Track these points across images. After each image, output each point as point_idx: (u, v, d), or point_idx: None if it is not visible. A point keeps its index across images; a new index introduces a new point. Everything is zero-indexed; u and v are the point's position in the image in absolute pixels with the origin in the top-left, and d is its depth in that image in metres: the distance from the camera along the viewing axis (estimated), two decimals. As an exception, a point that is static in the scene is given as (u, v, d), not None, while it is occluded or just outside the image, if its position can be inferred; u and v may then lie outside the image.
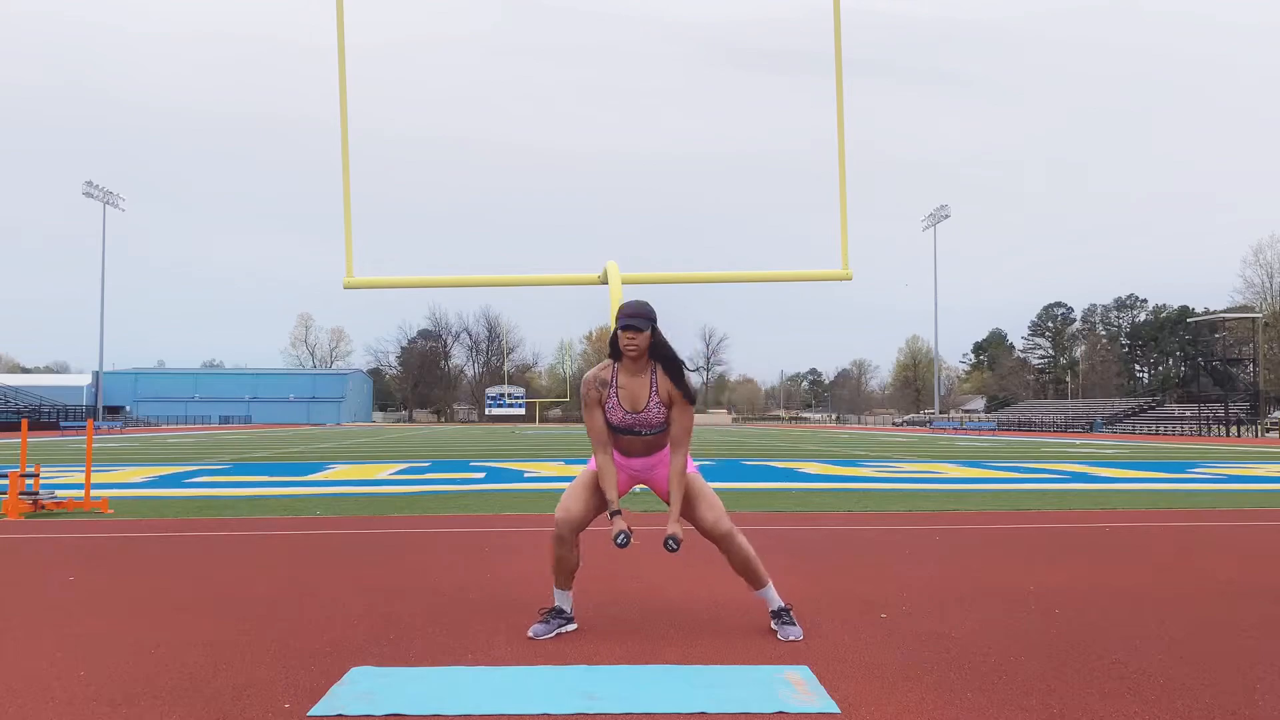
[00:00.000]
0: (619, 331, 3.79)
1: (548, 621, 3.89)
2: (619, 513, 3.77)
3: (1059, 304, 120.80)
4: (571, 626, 3.93)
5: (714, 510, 3.86)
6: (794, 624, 3.85)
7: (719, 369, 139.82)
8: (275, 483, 12.87)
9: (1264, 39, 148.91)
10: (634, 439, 3.88)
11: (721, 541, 3.85)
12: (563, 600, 3.95)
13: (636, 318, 3.78)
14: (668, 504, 3.89)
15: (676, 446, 3.87)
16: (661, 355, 3.84)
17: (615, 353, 3.87)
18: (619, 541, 3.67)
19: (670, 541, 3.72)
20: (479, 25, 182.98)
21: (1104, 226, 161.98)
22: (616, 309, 3.83)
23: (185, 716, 2.86)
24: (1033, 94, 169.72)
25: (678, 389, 3.82)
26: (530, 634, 3.83)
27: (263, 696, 3.06)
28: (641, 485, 4.07)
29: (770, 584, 3.94)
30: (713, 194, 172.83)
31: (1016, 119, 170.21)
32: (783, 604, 3.92)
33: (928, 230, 76.67)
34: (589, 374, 3.91)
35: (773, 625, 3.87)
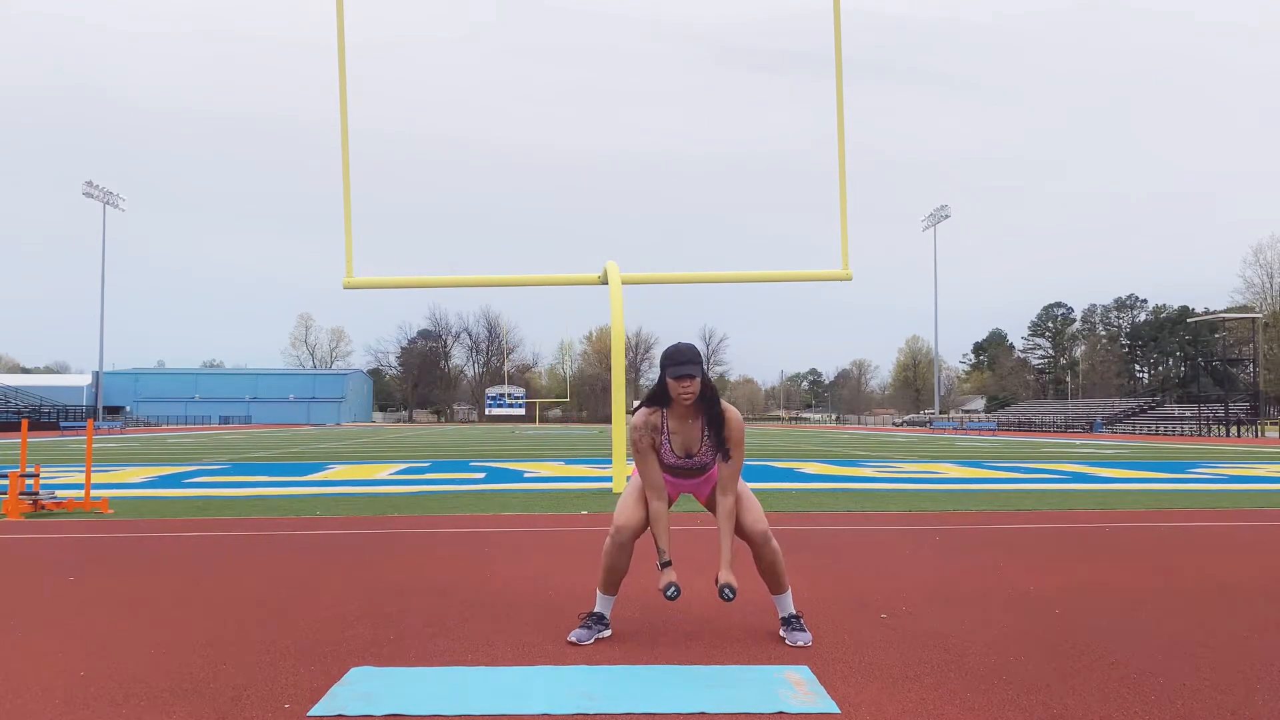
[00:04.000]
0: (671, 381, 3.69)
1: (589, 627, 3.82)
2: (669, 564, 3.72)
3: (1059, 304, 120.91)
4: (608, 632, 3.87)
5: (752, 512, 3.83)
6: (804, 630, 3.80)
7: (719, 369, 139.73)
8: (275, 483, 12.86)
9: (1264, 39, 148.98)
10: (684, 470, 3.89)
11: (755, 541, 3.81)
12: (605, 605, 3.87)
13: (690, 365, 3.68)
14: (709, 510, 3.90)
15: (725, 490, 3.80)
16: (708, 405, 3.77)
17: (662, 399, 3.79)
18: (669, 594, 3.65)
19: (726, 590, 3.64)
20: (479, 26, 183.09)
21: (1104, 226, 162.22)
22: (664, 355, 3.71)
23: (185, 716, 2.86)
24: (1032, 94, 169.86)
25: (718, 445, 3.79)
26: (572, 638, 3.76)
27: (263, 696, 3.06)
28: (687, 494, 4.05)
29: (789, 591, 3.90)
30: (713, 194, 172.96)
31: (1016, 119, 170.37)
32: (795, 611, 3.88)
33: (928, 230, 76.73)
34: (638, 420, 3.80)
35: (781, 633, 3.83)
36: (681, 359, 3.70)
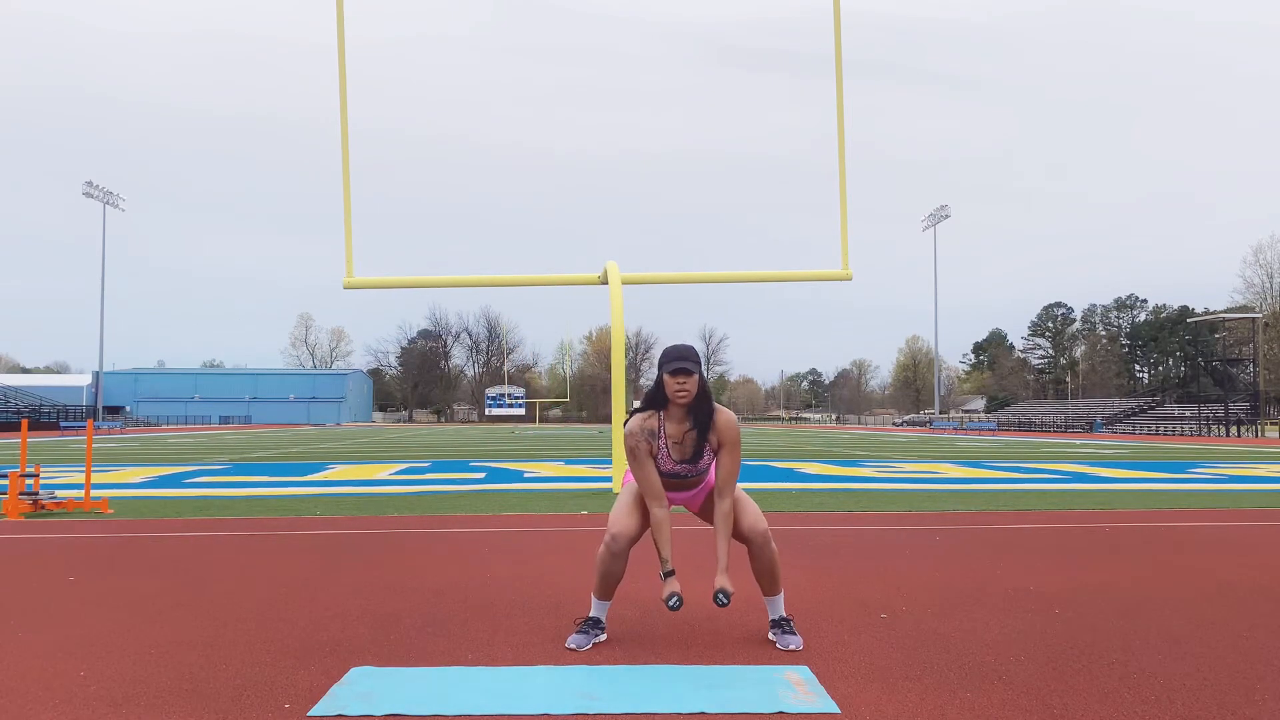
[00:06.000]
0: (666, 377, 3.60)
1: (586, 632, 3.76)
2: (673, 573, 3.62)
3: (1059, 304, 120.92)
4: (604, 636, 3.83)
5: (751, 513, 3.76)
6: (794, 633, 3.76)
7: (719, 369, 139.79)
8: (275, 483, 12.87)
9: (1264, 40, 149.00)
10: (679, 479, 3.79)
11: (755, 542, 3.74)
12: (600, 610, 3.83)
13: (687, 360, 3.60)
14: (703, 519, 3.83)
15: (722, 494, 3.71)
16: (701, 406, 3.67)
17: (658, 401, 3.68)
18: (671, 605, 3.56)
19: (720, 596, 3.55)
20: (479, 26, 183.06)
21: (1104, 227, 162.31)
22: (663, 354, 3.59)
23: (185, 716, 2.86)
24: (1032, 94, 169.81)
25: (713, 447, 3.70)
26: (569, 644, 3.70)
27: (263, 696, 3.06)
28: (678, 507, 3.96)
29: (782, 594, 3.85)
30: (713, 194, 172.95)
31: (1016, 119, 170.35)
32: (786, 614, 3.83)
33: (928, 230, 76.70)
34: (633, 425, 3.70)
35: (771, 635, 3.79)
36: (679, 355, 3.63)
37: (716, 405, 3.72)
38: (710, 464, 3.79)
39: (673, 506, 3.88)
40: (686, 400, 3.63)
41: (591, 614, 3.84)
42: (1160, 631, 3.97)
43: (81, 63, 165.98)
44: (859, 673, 3.33)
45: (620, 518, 3.76)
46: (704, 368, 3.72)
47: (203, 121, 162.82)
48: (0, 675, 3.31)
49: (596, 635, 3.80)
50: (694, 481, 3.83)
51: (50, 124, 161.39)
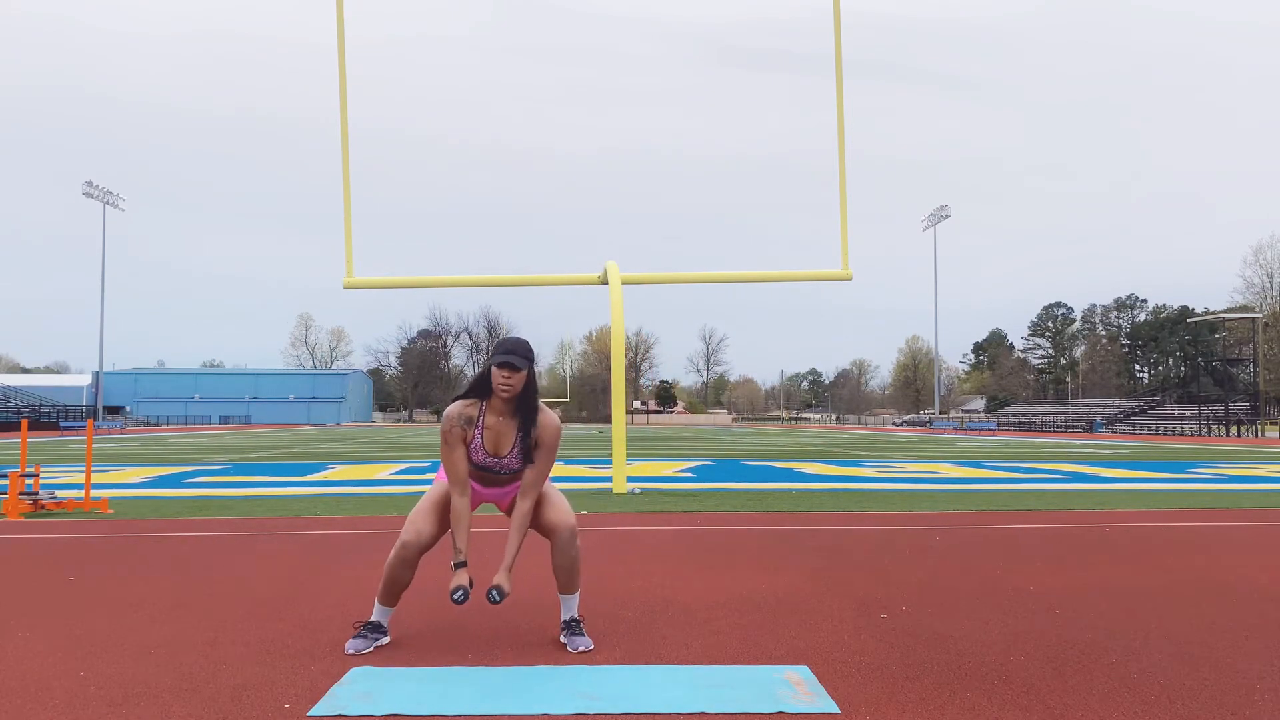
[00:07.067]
0: (494, 368, 3.56)
1: (365, 636, 3.67)
2: (464, 565, 3.55)
3: (1059, 304, 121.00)
4: (386, 640, 3.73)
5: (559, 508, 3.69)
6: (584, 635, 3.71)
7: (719, 369, 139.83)
8: (275, 483, 12.87)
9: (1262, 39, 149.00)
10: (490, 474, 3.74)
11: (561, 535, 3.66)
12: (383, 616, 3.75)
13: (515, 355, 3.56)
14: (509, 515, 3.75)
15: (526, 494, 3.68)
16: (525, 402, 3.64)
17: (484, 390, 3.64)
18: (455, 598, 3.46)
19: (494, 593, 3.51)
20: (479, 25, 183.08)
21: (1104, 227, 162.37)
22: (496, 344, 3.56)
23: (185, 716, 2.86)
24: (1032, 94, 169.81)
25: (526, 450, 3.66)
26: (348, 649, 3.61)
27: (263, 696, 3.06)
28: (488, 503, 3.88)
29: (578, 594, 3.81)
30: (713, 194, 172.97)
31: (1016, 119, 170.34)
32: (578, 615, 3.78)
33: (928, 230, 76.75)
34: (452, 409, 3.66)
35: (562, 638, 3.73)
36: (510, 349, 3.58)
37: (542, 406, 3.69)
38: (520, 464, 3.69)
39: (481, 505, 3.81)
40: (510, 395, 3.60)
41: (373, 618, 3.75)
42: (1160, 631, 3.97)
43: (81, 63, 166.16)
44: (859, 673, 3.33)
45: (415, 525, 3.67)
46: (533, 365, 3.62)
47: (203, 121, 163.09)
48: (0, 675, 3.31)
49: (378, 639, 3.71)
50: (504, 479, 3.76)
51: (50, 124, 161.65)
